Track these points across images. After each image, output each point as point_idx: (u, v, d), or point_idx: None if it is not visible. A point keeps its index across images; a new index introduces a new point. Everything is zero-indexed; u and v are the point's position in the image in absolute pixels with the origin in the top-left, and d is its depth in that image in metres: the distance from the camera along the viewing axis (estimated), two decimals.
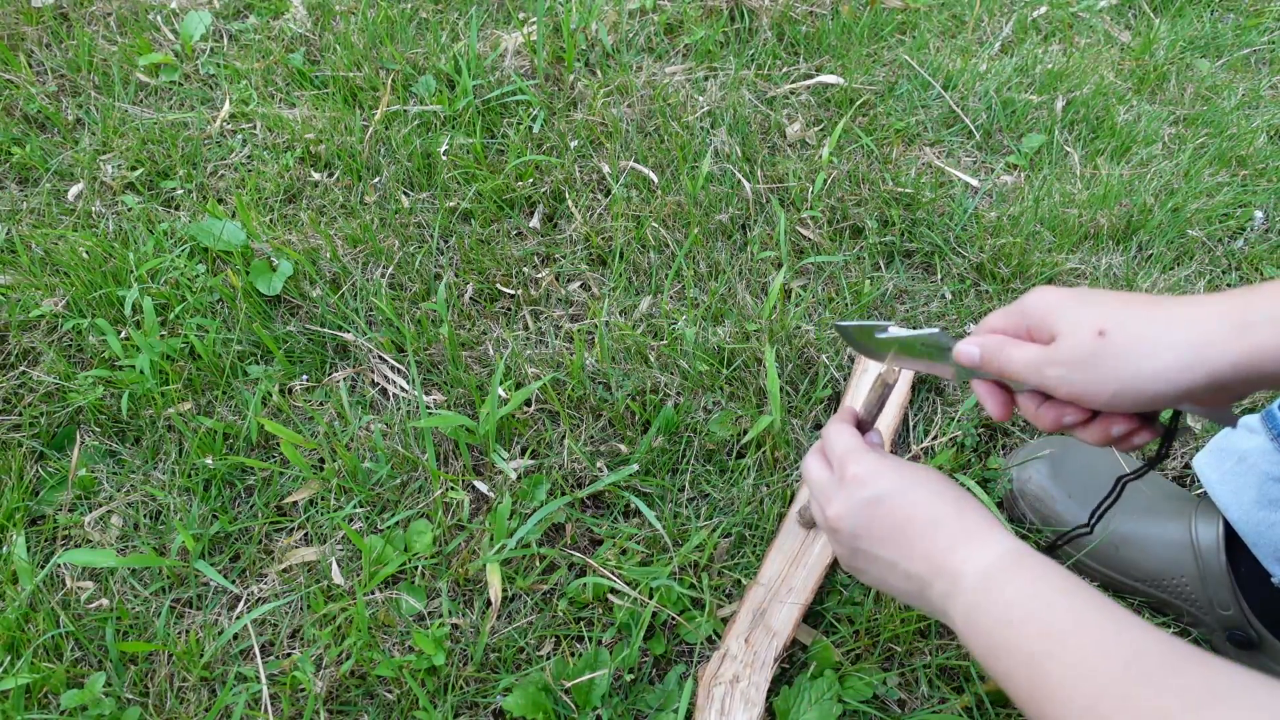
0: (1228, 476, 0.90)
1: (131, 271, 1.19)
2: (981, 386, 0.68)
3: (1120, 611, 0.53)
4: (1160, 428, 0.64)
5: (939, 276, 1.26)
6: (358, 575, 0.99)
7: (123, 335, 1.15)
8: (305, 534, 1.03)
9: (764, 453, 1.07)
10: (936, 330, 0.69)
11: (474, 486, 1.05)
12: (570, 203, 1.31)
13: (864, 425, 0.77)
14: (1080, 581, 0.57)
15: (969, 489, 1.04)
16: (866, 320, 0.69)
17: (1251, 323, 0.54)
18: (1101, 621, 0.52)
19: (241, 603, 0.98)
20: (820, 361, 1.15)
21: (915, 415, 1.13)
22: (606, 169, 1.34)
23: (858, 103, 1.46)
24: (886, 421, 1.09)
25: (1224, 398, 0.58)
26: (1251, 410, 1.12)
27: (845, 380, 1.16)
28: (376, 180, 1.34)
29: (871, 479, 0.67)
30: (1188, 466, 1.08)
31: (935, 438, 1.10)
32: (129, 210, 1.30)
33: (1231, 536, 0.90)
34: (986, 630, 0.57)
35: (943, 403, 1.14)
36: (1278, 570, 0.86)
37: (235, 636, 0.95)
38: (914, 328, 0.68)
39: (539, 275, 1.24)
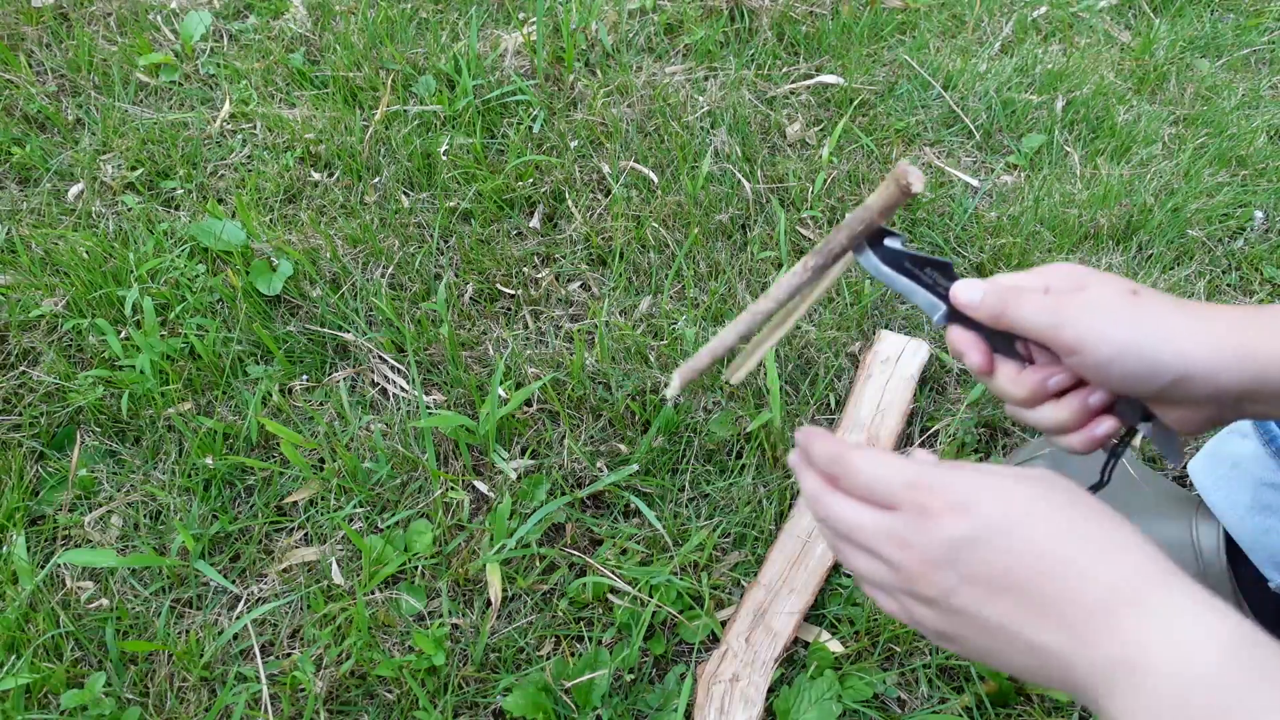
0: (1222, 482, 0.90)
1: (131, 271, 1.19)
2: (964, 335, 0.61)
3: None
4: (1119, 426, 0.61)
5: None
6: (358, 575, 0.99)
7: (123, 335, 1.15)
8: (305, 534, 1.03)
9: (764, 452, 1.07)
10: (949, 260, 0.62)
11: (474, 486, 1.05)
12: (570, 203, 1.31)
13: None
14: None
15: None
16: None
17: (1262, 351, 0.53)
18: None
19: (241, 603, 0.98)
20: (820, 362, 1.15)
21: (914, 411, 1.13)
22: (606, 169, 1.34)
23: (857, 103, 1.46)
24: (889, 425, 1.09)
25: (1205, 410, 0.56)
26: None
27: (848, 385, 1.16)
28: (376, 180, 1.34)
29: (972, 508, 0.46)
30: (1186, 468, 1.08)
31: (936, 436, 1.10)
32: (129, 210, 1.30)
33: (1232, 538, 0.90)
34: None
35: (944, 400, 1.14)
36: (1274, 575, 0.86)
37: (235, 636, 0.95)
38: (920, 253, 0.62)
39: (539, 275, 1.25)
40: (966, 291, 0.59)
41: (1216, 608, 0.41)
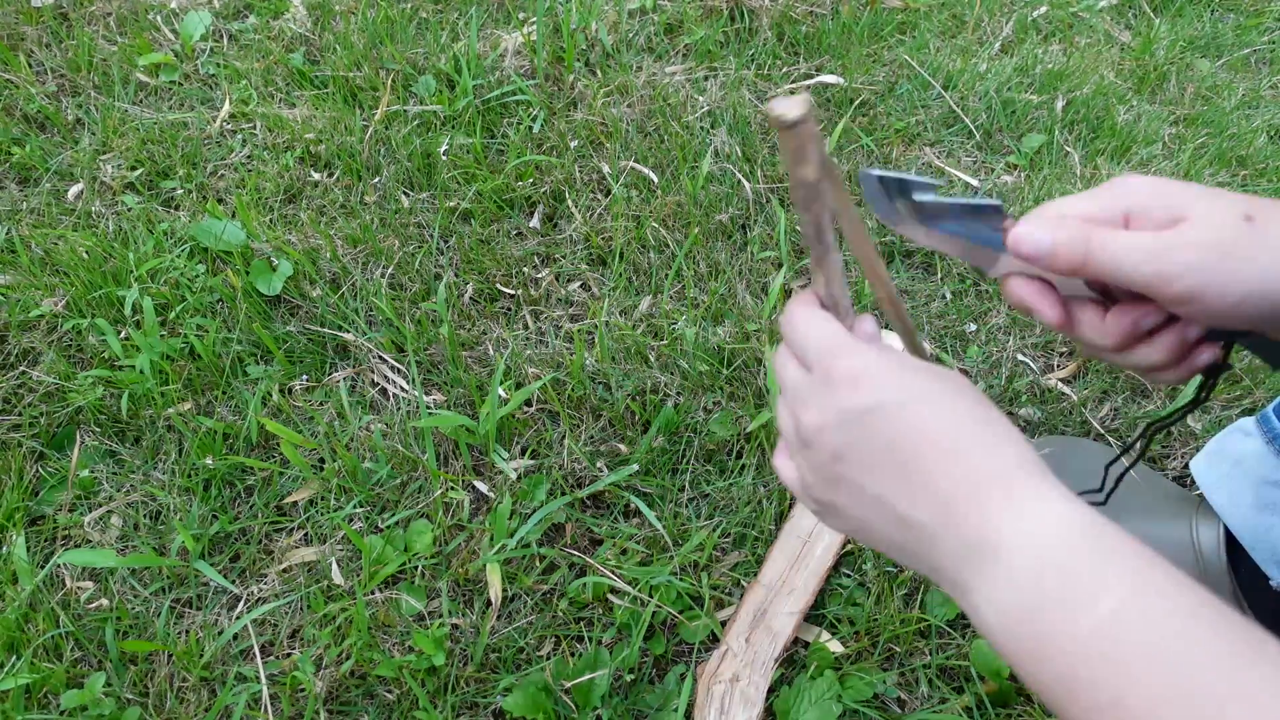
0: (1224, 480, 0.90)
1: (131, 271, 1.19)
2: (1028, 287, 0.53)
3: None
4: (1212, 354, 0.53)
5: (939, 276, 1.26)
6: (358, 575, 0.99)
7: (123, 335, 1.15)
8: (305, 534, 1.03)
9: (764, 452, 1.07)
10: (997, 202, 0.51)
11: (474, 486, 1.05)
12: (570, 203, 1.31)
13: (837, 310, 0.52)
14: (1188, 582, 0.42)
15: None
16: (905, 173, 0.51)
17: None
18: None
19: (241, 603, 0.98)
20: None
21: None
22: (606, 169, 1.34)
23: (857, 102, 1.46)
24: None
25: None
26: (1253, 410, 1.12)
27: None
28: (376, 180, 1.34)
29: (869, 381, 0.46)
30: (1187, 467, 1.08)
31: None
32: (129, 210, 1.29)
33: (1232, 537, 0.90)
34: (1043, 635, 0.40)
35: None
36: (1276, 574, 0.86)
37: (235, 636, 0.95)
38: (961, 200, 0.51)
39: (539, 275, 1.24)
40: (1032, 238, 0.49)
41: (1072, 499, 0.42)
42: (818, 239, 0.50)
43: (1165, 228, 0.47)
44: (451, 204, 1.30)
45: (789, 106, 0.44)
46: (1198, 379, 0.56)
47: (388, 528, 1.01)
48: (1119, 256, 0.47)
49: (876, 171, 0.52)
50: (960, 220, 0.52)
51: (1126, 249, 0.47)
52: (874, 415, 0.46)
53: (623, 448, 1.07)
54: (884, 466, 0.46)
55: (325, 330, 1.17)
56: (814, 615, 0.97)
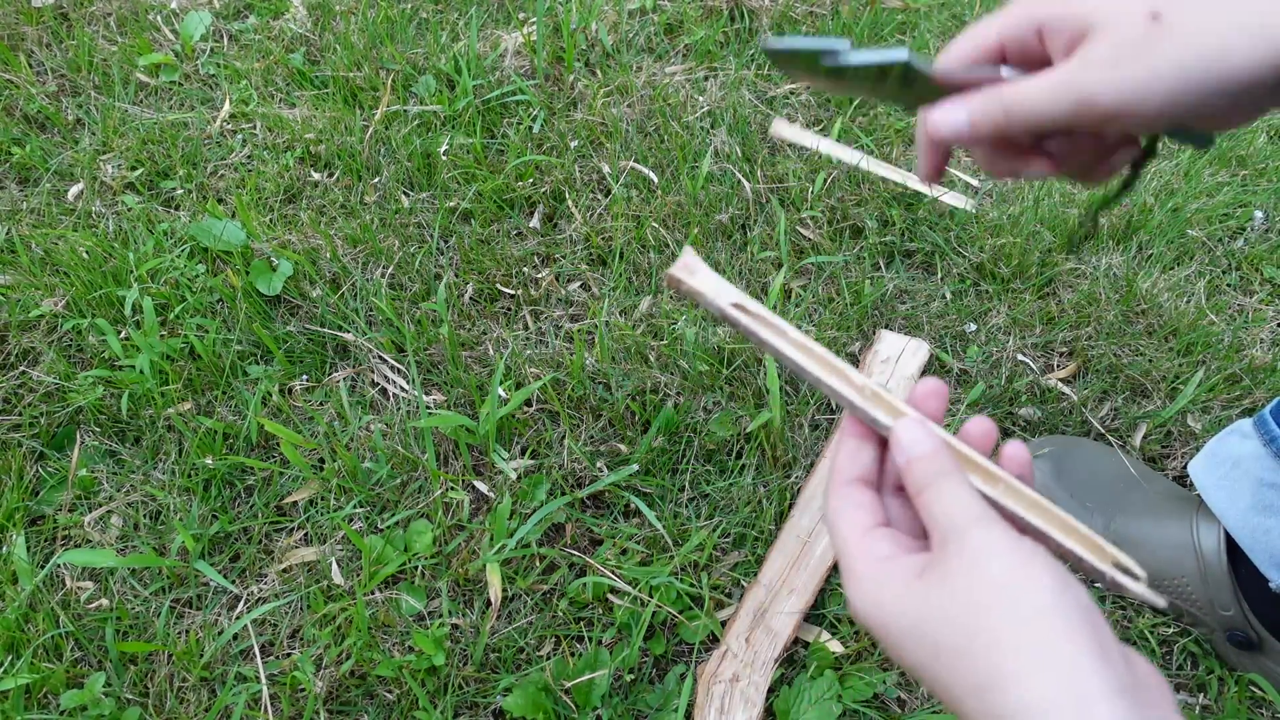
0: (1222, 482, 0.90)
1: (131, 271, 1.19)
2: (923, 138, 0.51)
3: None
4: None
5: (939, 276, 1.26)
6: (358, 575, 0.99)
7: (123, 335, 1.15)
8: (305, 534, 1.03)
9: (764, 452, 1.07)
10: (904, 53, 0.47)
11: (474, 486, 1.05)
12: (570, 203, 1.31)
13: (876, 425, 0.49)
14: None
15: None
16: (810, 41, 0.49)
17: None
18: None
19: (241, 603, 0.98)
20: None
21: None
22: (606, 169, 1.34)
23: (857, 103, 1.46)
24: None
25: (1254, 106, 0.45)
26: (1252, 411, 1.12)
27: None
28: (376, 180, 1.34)
29: (865, 610, 0.44)
30: (1186, 468, 1.08)
31: None
32: (129, 210, 1.30)
33: (1233, 538, 0.90)
34: None
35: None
36: (1275, 576, 0.86)
37: (235, 636, 0.95)
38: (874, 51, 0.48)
39: (539, 275, 1.24)
40: (948, 122, 0.47)
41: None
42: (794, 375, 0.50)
43: (1075, 41, 0.45)
44: (451, 204, 1.30)
45: (672, 270, 0.51)
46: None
47: (388, 528, 1.01)
48: (1036, 106, 0.45)
49: (774, 45, 0.50)
50: (872, 79, 0.50)
51: (1040, 94, 0.45)
52: (887, 644, 0.43)
53: (623, 448, 1.07)
54: (911, 663, 0.42)
55: (325, 330, 1.17)
56: (814, 615, 0.97)
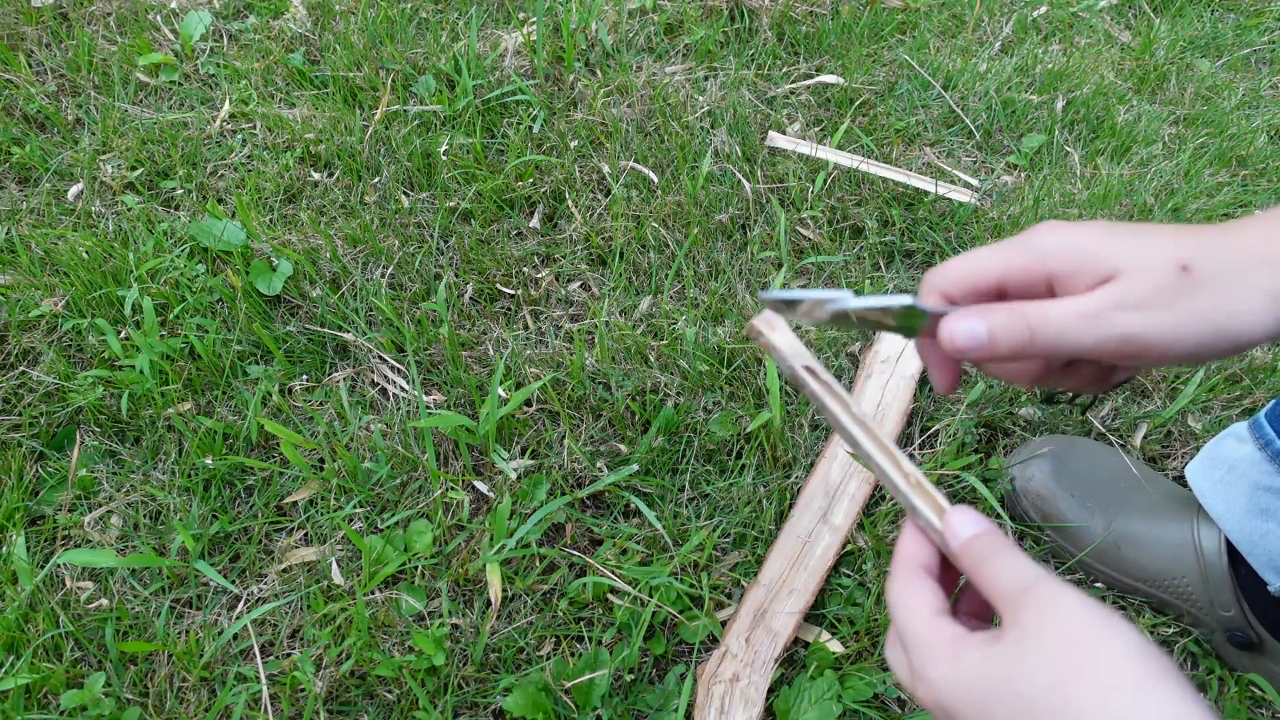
0: (1219, 486, 0.90)
1: (131, 271, 1.19)
2: (935, 353, 0.52)
3: None
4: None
5: None
6: (358, 575, 0.99)
7: (122, 335, 1.15)
8: (305, 534, 1.03)
9: (764, 452, 1.07)
10: (909, 298, 0.48)
11: (474, 486, 1.05)
12: (570, 203, 1.31)
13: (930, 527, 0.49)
14: None
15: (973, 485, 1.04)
16: (808, 291, 0.49)
17: None
18: None
19: (241, 603, 0.98)
20: (820, 362, 1.15)
21: (914, 413, 1.13)
22: (606, 169, 1.34)
23: (857, 103, 1.46)
24: (889, 425, 1.09)
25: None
26: (1252, 411, 1.12)
27: (849, 385, 1.16)
28: (376, 180, 1.34)
29: (945, 685, 0.43)
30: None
31: (936, 436, 1.10)
32: (129, 210, 1.29)
33: None
34: None
35: (944, 400, 1.14)
36: (1273, 579, 0.86)
37: (235, 636, 0.95)
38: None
39: (539, 275, 1.24)
40: (967, 333, 0.46)
41: None
42: (855, 450, 0.52)
43: (1091, 273, 0.46)
44: (451, 204, 1.30)
45: (755, 321, 0.54)
46: None
47: (388, 528, 1.01)
48: (1066, 334, 0.45)
49: (770, 296, 0.51)
50: (875, 317, 0.50)
51: (1068, 320, 0.45)
52: (970, 714, 0.42)
53: (623, 448, 1.07)
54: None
55: (325, 330, 1.17)
56: (814, 615, 0.97)
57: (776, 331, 0.54)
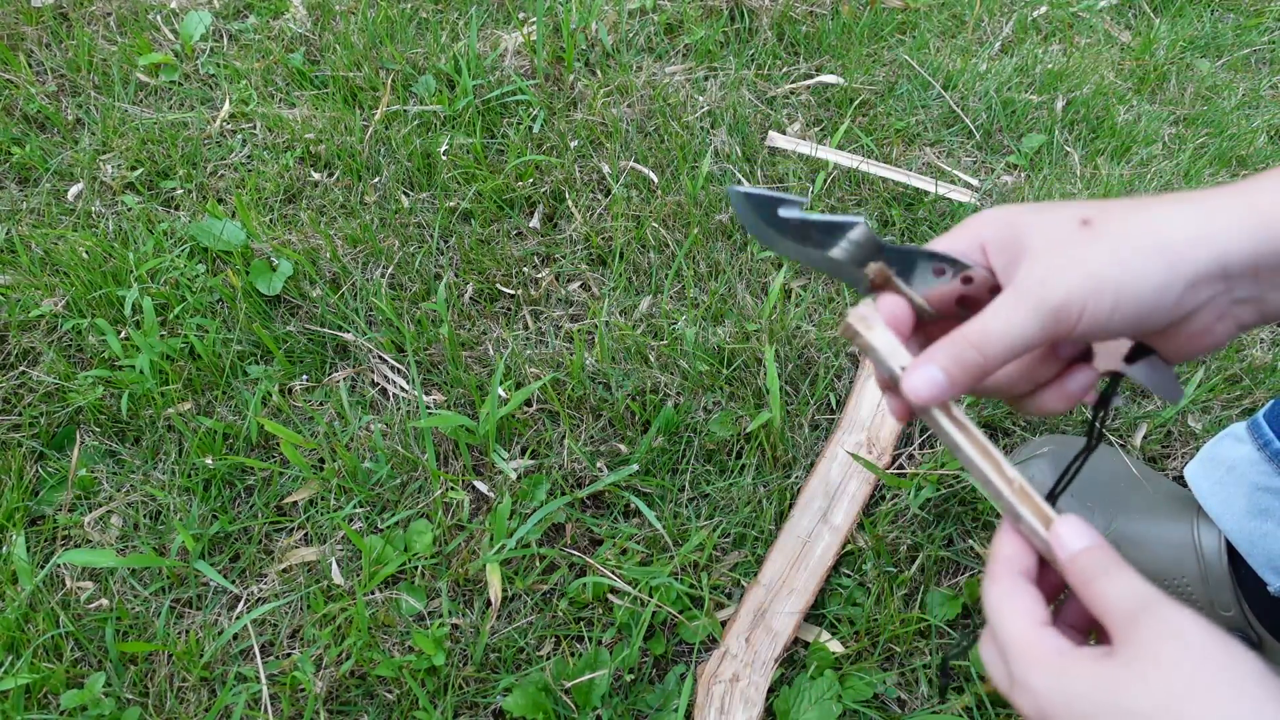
0: (1218, 487, 0.90)
1: (131, 271, 1.19)
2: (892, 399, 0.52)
3: None
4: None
5: None
6: (358, 575, 0.99)
7: (122, 335, 1.15)
8: (305, 534, 1.03)
9: (764, 452, 1.07)
10: (856, 219, 0.49)
11: (474, 486, 1.05)
12: (570, 203, 1.31)
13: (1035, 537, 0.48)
14: None
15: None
16: (770, 190, 0.48)
17: (1264, 205, 0.44)
18: None
19: (241, 603, 0.98)
20: (820, 362, 1.15)
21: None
22: (606, 169, 1.34)
23: (857, 102, 1.46)
24: (889, 426, 1.09)
25: (1216, 313, 0.47)
26: (1252, 411, 1.12)
27: (848, 385, 1.16)
28: (376, 180, 1.34)
29: (1050, 698, 0.43)
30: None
31: (935, 437, 1.10)
32: (129, 210, 1.29)
33: None
34: None
35: None
36: (1273, 579, 0.86)
37: (235, 636, 0.95)
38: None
39: (539, 275, 1.24)
40: (928, 383, 0.46)
41: None
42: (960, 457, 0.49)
43: (1014, 260, 0.47)
44: (451, 204, 1.30)
45: (851, 319, 0.49)
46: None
47: (388, 528, 1.01)
48: (1007, 332, 0.45)
49: (743, 189, 0.52)
50: (825, 237, 0.51)
51: (1003, 319, 0.45)
52: None
53: (623, 448, 1.07)
54: None
55: (325, 330, 1.17)
56: (814, 615, 0.97)
57: (874, 330, 0.49)
